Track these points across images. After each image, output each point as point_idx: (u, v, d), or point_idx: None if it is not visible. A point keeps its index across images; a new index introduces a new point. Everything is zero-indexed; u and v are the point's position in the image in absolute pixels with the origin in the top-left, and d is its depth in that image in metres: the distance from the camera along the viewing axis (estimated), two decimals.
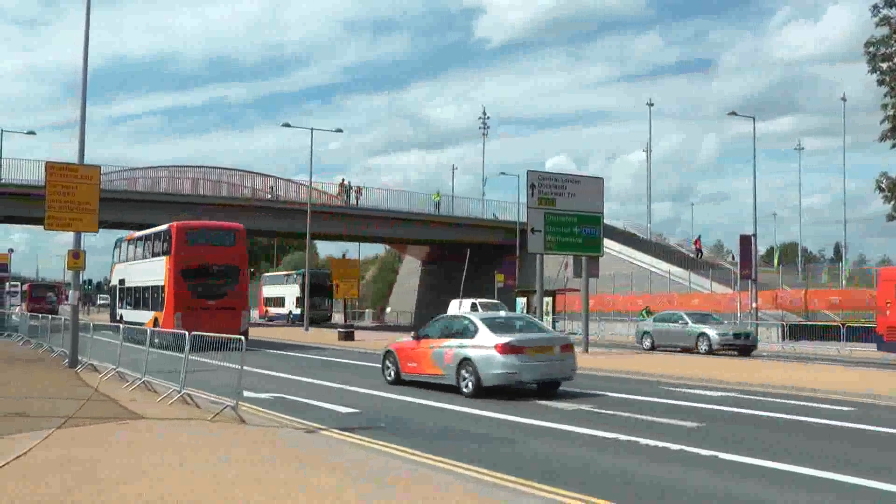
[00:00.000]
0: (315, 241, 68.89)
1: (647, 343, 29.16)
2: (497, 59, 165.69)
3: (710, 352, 26.37)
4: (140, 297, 31.45)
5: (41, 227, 18.09)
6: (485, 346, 13.64)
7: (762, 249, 53.68)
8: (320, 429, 10.23)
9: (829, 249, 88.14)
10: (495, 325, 14.29)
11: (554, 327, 41.90)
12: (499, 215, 56.66)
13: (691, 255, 51.76)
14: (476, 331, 14.10)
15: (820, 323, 33.96)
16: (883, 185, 32.11)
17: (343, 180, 54.34)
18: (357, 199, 53.25)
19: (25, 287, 75.40)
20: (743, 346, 26.82)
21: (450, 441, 9.61)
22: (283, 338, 34.00)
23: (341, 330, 32.77)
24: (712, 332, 26.77)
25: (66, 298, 46.24)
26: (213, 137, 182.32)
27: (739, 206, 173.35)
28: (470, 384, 13.69)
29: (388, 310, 69.31)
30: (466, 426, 10.82)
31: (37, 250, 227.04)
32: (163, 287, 28.34)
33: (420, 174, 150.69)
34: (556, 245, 24.54)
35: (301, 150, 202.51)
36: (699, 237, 55.16)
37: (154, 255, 30.30)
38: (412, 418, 11.47)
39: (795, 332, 30.72)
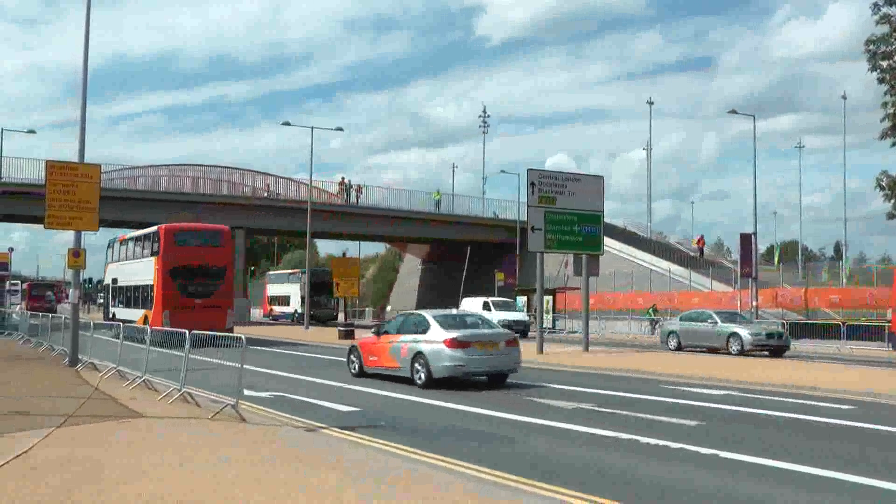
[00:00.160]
0: (315, 240, 68.91)
1: (672, 343, 27.59)
2: (497, 58, 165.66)
3: (742, 352, 24.70)
4: (131, 295, 32.32)
5: (41, 226, 18.12)
6: (435, 341, 14.72)
7: (762, 248, 53.46)
8: (321, 427, 10.24)
9: (830, 248, 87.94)
10: (446, 322, 15.32)
11: (554, 326, 42.08)
12: (499, 214, 56.73)
13: (692, 254, 51.70)
14: (428, 327, 15.20)
15: (820, 321, 33.95)
16: (883, 184, 32.01)
17: (343, 179, 54.51)
18: (357, 197, 53.30)
19: (25, 286, 75.68)
20: (776, 346, 25.37)
21: (450, 440, 9.60)
22: (283, 336, 34.03)
23: (341, 328, 32.82)
24: (745, 332, 25.16)
25: (66, 297, 46.33)
26: (214, 136, 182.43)
27: (740, 204, 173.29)
28: (423, 376, 14.77)
29: (389, 308, 69.26)
30: (467, 424, 10.82)
31: (37, 249, 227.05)
32: (152, 286, 29.21)
33: (420, 173, 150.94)
34: (557, 243, 24.55)
35: (301, 149, 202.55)
36: (702, 236, 54.67)
37: (144, 255, 31.20)
38: (413, 417, 11.47)
39: (796, 331, 30.62)
